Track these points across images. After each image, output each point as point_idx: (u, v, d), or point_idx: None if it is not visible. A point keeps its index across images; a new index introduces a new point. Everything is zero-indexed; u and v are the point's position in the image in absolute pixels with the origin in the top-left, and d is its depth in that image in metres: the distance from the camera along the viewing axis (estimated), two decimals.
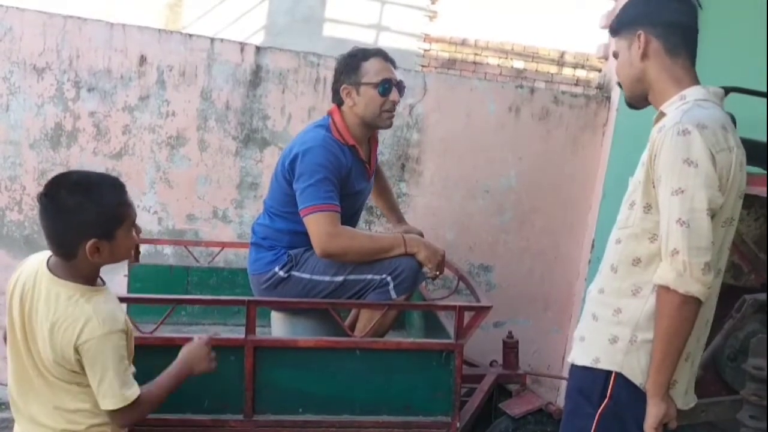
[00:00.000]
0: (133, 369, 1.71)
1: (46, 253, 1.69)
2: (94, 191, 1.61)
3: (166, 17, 5.91)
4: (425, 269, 2.33)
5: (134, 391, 1.64)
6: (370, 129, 2.44)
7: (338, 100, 2.40)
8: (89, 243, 1.58)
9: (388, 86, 2.35)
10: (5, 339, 1.72)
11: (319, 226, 2.21)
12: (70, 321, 1.58)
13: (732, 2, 2.79)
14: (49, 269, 1.64)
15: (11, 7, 2.98)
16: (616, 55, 1.75)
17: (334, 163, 2.27)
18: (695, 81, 1.64)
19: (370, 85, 2.33)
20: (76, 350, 1.58)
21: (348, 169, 2.33)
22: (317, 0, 6.04)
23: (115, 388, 1.60)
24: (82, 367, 1.60)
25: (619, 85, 1.76)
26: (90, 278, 1.66)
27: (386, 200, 2.83)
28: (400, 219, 2.81)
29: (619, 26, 1.71)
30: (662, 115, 1.63)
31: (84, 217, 1.58)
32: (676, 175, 1.48)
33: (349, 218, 2.46)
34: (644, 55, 1.64)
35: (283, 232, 2.37)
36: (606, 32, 3.52)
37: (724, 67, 2.21)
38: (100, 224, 1.60)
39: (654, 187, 1.54)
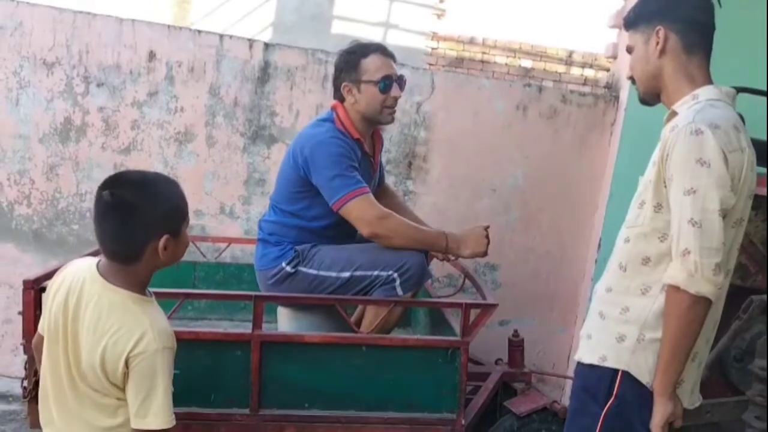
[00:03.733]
0: (172, 388, 1.63)
1: (93, 259, 1.63)
2: (159, 187, 1.58)
3: (175, 13, 5.93)
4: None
5: (174, 416, 1.56)
6: (373, 124, 2.45)
7: (339, 97, 2.41)
8: (162, 239, 1.54)
9: (388, 83, 2.34)
10: (36, 347, 1.68)
11: (363, 210, 2.23)
12: (125, 331, 1.51)
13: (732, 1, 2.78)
14: (100, 274, 1.57)
15: (22, 2, 3.00)
16: (630, 50, 1.71)
17: (349, 152, 2.29)
18: (708, 80, 1.63)
19: (371, 83, 2.33)
20: (126, 362, 1.50)
21: (358, 161, 2.34)
22: None
23: (166, 407, 1.53)
24: (125, 381, 1.53)
25: (632, 80, 1.73)
26: (144, 285, 1.61)
27: (407, 216, 2.77)
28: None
29: (636, 20, 1.68)
30: (674, 114, 1.62)
31: (154, 214, 1.54)
32: (689, 175, 1.47)
33: None
34: (662, 52, 1.62)
35: (289, 228, 2.38)
36: (614, 31, 3.52)
37: (726, 65, 2.19)
38: (171, 220, 1.57)
39: (665, 186, 1.53)
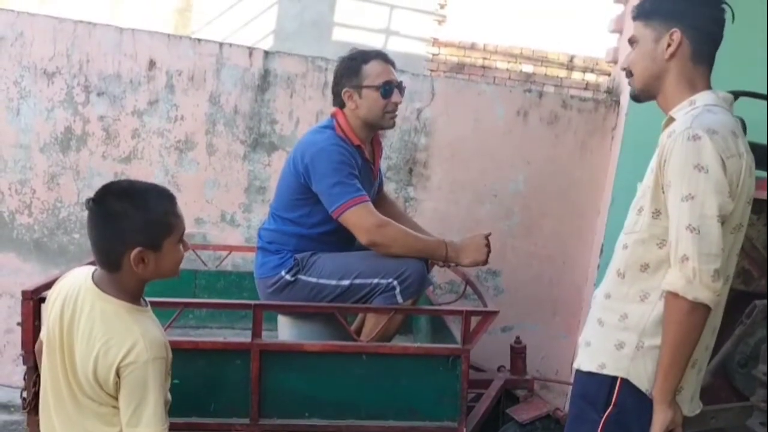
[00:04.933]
0: (169, 398, 1.63)
1: (90, 268, 1.64)
2: (141, 198, 1.57)
3: (176, 22, 5.94)
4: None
5: (167, 426, 1.56)
6: (374, 130, 2.46)
7: (339, 103, 2.42)
8: (134, 251, 1.52)
9: (389, 88, 2.36)
10: (38, 352, 1.69)
11: (362, 218, 2.23)
12: (116, 341, 1.51)
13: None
14: (95, 283, 1.58)
15: (22, 12, 3.01)
16: (633, 41, 1.65)
17: (350, 160, 2.29)
18: (708, 88, 1.61)
19: (372, 88, 2.34)
20: (117, 372, 1.51)
21: (358, 168, 2.34)
22: (326, 4, 6.05)
23: (158, 417, 1.52)
24: (117, 390, 1.53)
25: (628, 73, 1.68)
26: (135, 295, 1.61)
27: (406, 224, 2.70)
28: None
29: (651, 13, 1.61)
30: (671, 120, 1.60)
31: (129, 224, 1.53)
32: (686, 181, 1.46)
33: None
34: (672, 56, 1.58)
35: (289, 235, 2.38)
36: (615, 36, 3.52)
37: (726, 69, 2.19)
38: (146, 232, 1.55)
39: (663, 192, 1.52)
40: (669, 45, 1.58)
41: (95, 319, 1.54)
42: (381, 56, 2.41)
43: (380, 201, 2.66)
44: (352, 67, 2.38)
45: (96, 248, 1.58)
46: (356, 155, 2.36)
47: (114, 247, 1.55)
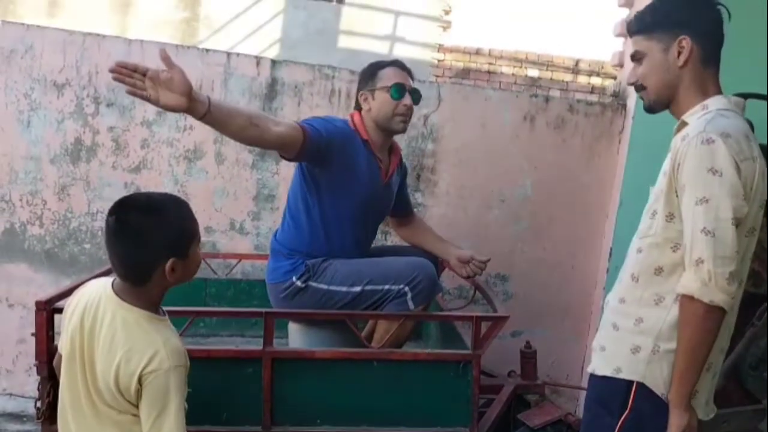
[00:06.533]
0: (185, 407, 1.63)
1: (109, 278, 1.66)
2: (166, 210, 1.59)
3: (183, 32, 5.98)
4: None
5: None
6: (386, 133, 2.46)
7: (358, 107, 2.50)
8: (169, 263, 1.55)
9: (401, 90, 2.40)
10: (57, 366, 1.71)
11: None
12: (138, 349, 1.53)
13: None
14: (115, 293, 1.60)
15: (32, 26, 3.04)
16: (638, 56, 1.66)
17: (327, 126, 2.28)
18: (719, 91, 1.62)
19: (384, 89, 2.40)
20: (139, 380, 1.51)
21: (344, 142, 2.33)
22: (331, 12, 6.09)
23: (179, 426, 1.52)
24: (138, 398, 1.54)
25: (638, 88, 1.69)
26: (157, 304, 1.63)
27: (431, 236, 2.77)
28: (452, 246, 2.71)
29: (653, 26, 1.63)
30: (684, 124, 1.61)
31: (161, 238, 1.55)
32: (701, 185, 1.46)
33: (361, 216, 2.44)
34: (685, 62, 1.59)
35: (301, 236, 2.38)
36: (620, 40, 3.52)
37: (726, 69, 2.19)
38: (177, 243, 1.58)
39: (677, 196, 1.53)
40: (680, 53, 1.59)
41: (117, 327, 1.56)
42: (398, 64, 2.49)
43: (408, 219, 2.80)
44: (370, 71, 2.47)
45: (122, 264, 1.58)
46: (359, 145, 2.39)
47: (146, 262, 1.57)
